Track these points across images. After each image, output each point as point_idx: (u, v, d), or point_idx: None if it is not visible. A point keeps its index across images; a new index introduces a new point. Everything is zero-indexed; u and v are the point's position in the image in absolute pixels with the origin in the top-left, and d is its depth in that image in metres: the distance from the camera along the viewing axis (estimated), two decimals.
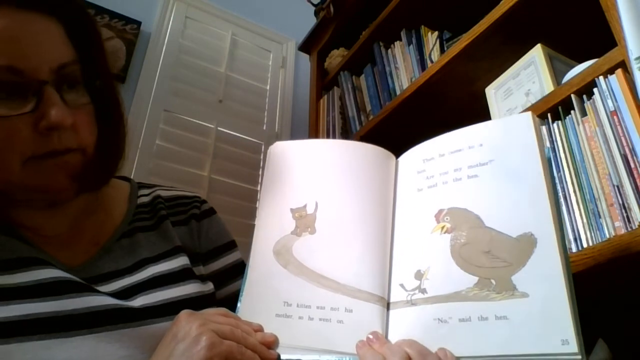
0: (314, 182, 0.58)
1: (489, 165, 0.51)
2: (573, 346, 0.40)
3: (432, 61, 1.29)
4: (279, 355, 0.50)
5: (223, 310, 0.53)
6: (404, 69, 1.40)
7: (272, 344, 0.50)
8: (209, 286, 0.63)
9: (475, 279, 0.46)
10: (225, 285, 0.67)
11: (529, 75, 0.99)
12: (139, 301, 0.55)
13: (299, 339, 0.50)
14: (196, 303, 0.58)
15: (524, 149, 0.50)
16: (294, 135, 2.02)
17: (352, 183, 0.57)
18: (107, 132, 0.59)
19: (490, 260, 0.46)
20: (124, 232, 0.62)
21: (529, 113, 0.52)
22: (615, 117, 0.75)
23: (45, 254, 0.55)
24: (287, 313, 0.52)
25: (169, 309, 0.54)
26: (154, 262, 0.60)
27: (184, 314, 0.50)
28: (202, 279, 0.63)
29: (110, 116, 0.60)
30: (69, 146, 0.53)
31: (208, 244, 0.68)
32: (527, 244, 0.45)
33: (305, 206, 0.57)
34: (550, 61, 0.97)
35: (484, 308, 0.44)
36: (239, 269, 0.68)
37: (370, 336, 0.48)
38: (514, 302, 0.43)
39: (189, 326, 0.47)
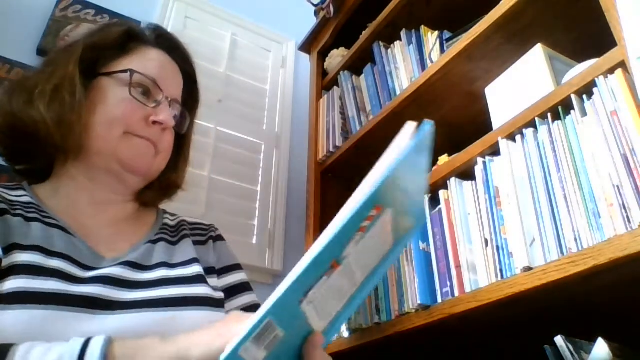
0: None
1: None
2: None
3: (432, 61, 1.29)
4: None
5: None
6: (404, 69, 1.40)
7: None
8: (219, 294, 0.73)
9: None
10: (229, 300, 0.77)
11: (529, 75, 0.99)
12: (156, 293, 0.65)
13: None
14: (205, 302, 0.67)
15: None
16: (294, 135, 2.01)
17: None
18: (171, 165, 0.83)
19: None
20: (150, 239, 0.76)
21: None
22: (615, 117, 0.75)
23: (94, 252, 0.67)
24: None
25: (178, 302, 0.64)
26: (171, 268, 0.71)
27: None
28: (215, 289, 0.72)
29: (177, 158, 0.86)
30: (156, 142, 0.76)
31: (221, 262, 0.81)
32: None
33: None
34: (550, 61, 0.97)
35: None
36: (242, 287, 0.81)
37: None
38: None
39: None
